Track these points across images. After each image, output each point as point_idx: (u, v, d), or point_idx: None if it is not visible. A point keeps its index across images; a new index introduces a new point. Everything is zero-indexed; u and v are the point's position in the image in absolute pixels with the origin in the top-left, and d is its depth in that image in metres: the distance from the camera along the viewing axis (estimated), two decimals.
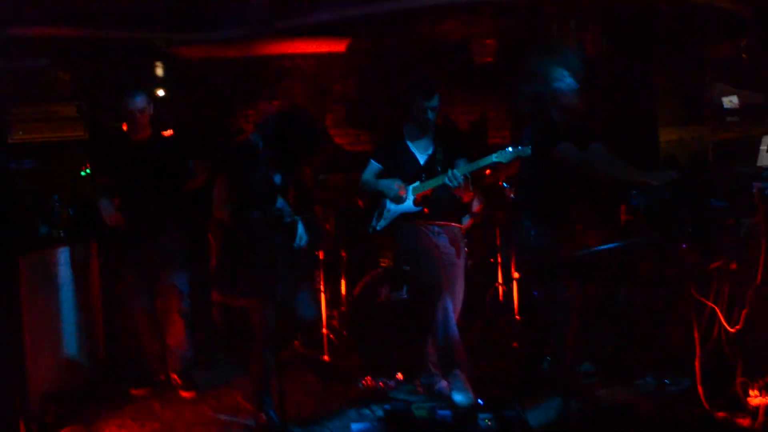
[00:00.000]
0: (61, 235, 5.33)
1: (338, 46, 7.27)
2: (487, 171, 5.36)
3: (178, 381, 5.13)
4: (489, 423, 4.13)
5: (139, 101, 5.01)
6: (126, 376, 5.24)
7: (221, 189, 4.58)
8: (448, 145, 4.88)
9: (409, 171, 4.85)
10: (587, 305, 4.67)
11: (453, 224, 4.93)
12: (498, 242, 5.99)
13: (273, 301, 4.44)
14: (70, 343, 5.11)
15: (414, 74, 6.68)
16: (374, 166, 4.98)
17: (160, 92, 7.18)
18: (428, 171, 4.81)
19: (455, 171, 4.57)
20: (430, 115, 4.79)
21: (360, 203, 5.59)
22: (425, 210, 4.80)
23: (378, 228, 4.92)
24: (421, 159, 4.88)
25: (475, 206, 5.29)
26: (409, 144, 4.91)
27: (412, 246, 4.84)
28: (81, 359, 5.20)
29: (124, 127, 5.14)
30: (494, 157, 4.49)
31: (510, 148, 4.43)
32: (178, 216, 5.14)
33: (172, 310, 5.13)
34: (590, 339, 5.16)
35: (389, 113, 6.80)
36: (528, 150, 4.39)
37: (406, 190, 4.81)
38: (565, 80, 4.47)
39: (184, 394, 5.07)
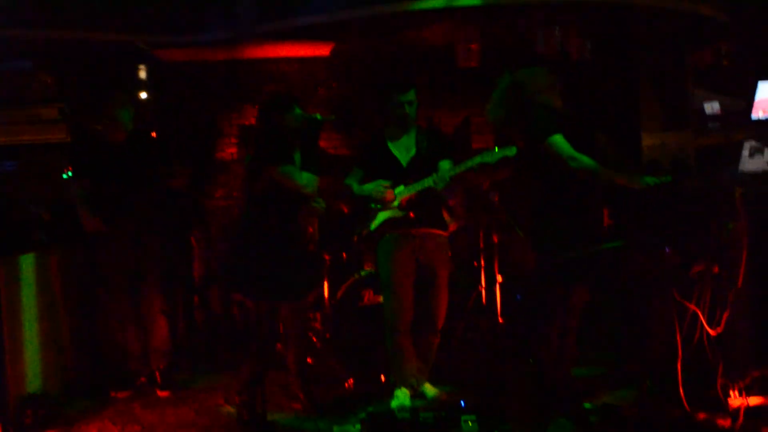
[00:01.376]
0: (41, 238, 5.29)
1: (322, 50, 7.27)
2: (469, 175, 5.34)
3: (158, 380, 5.14)
4: (471, 425, 4.13)
5: (118, 102, 5.02)
6: (107, 379, 5.19)
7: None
8: (430, 146, 4.81)
9: (392, 174, 4.76)
10: (572, 309, 4.66)
11: (437, 231, 4.83)
12: (481, 245, 5.99)
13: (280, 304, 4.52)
14: (48, 345, 5.05)
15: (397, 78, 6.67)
16: (357, 171, 4.90)
17: (144, 95, 7.16)
18: (411, 174, 4.73)
19: (442, 173, 4.56)
20: (408, 110, 4.72)
21: (344, 208, 5.59)
22: (411, 214, 4.73)
23: (365, 233, 4.83)
24: (404, 161, 4.79)
25: (458, 210, 5.30)
26: (391, 147, 4.83)
27: (386, 267, 4.75)
28: (60, 362, 5.14)
29: (99, 128, 5.15)
30: (480, 158, 4.47)
31: (496, 149, 4.43)
32: (159, 216, 5.13)
33: (155, 310, 5.15)
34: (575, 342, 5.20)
35: (372, 117, 6.81)
36: (513, 150, 4.37)
37: (393, 192, 4.73)
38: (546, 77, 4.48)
39: (161, 393, 5.09)
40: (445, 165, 4.71)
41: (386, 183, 4.72)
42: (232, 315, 6.38)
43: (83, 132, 6.27)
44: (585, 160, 4.20)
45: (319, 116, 4.48)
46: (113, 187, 5.03)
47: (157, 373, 5.16)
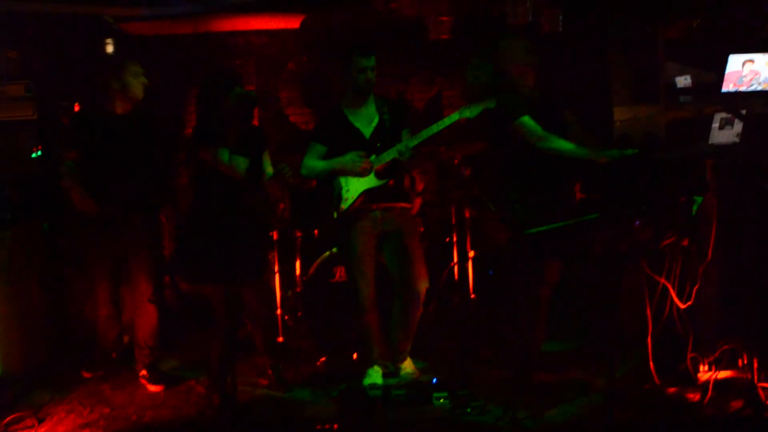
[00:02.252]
0: (8, 216, 5.18)
1: (292, 23, 7.16)
2: (442, 148, 5.31)
3: (147, 375, 4.91)
4: (443, 401, 4.13)
5: (131, 71, 4.79)
6: (78, 360, 5.13)
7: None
8: (392, 116, 4.67)
9: (355, 147, 4.59)
10: (545, 284, 4.67)
11: (399, 204, 4.72)
12: (453, 221, 5.97)
13: (236, 286, 4.44)
14: (16, 327, 4.97)
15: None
16: (318, 147, 4.69)
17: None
18: (375, 145, 4.59)
19: (405, 142, 4.47)
20: (370, 75, 4.56)
21: (313, 182, 5.51)
22: (391, 182, 4.61)
23: (342, 211, 4.63)
24: (366, 132, 4.64)
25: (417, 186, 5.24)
26: (351, 118, 4.66)
27: (347, 244, 4.66)
28: (29, 344, 5.08)
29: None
30: (461, 113, 4.37)
31: (480, 104, 4.34)
32: (146, 197, 4.89)
33: (143, 298, 4.89)
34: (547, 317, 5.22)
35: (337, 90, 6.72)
36: (492, 101, 4.32)
37: (371, 162, 4.57)
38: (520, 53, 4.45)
39: (153, 388, 4.84)
40: (405, 134, 4.63)
41: (361, 153, 4.57)
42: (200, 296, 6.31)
43: (51, 109, 6.13)
44: (553, 140, 4.25)
45: (254, 93, 4.38)
46: (107, 163, 4.75)
47: (144, 371, 4.91)
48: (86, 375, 5.02)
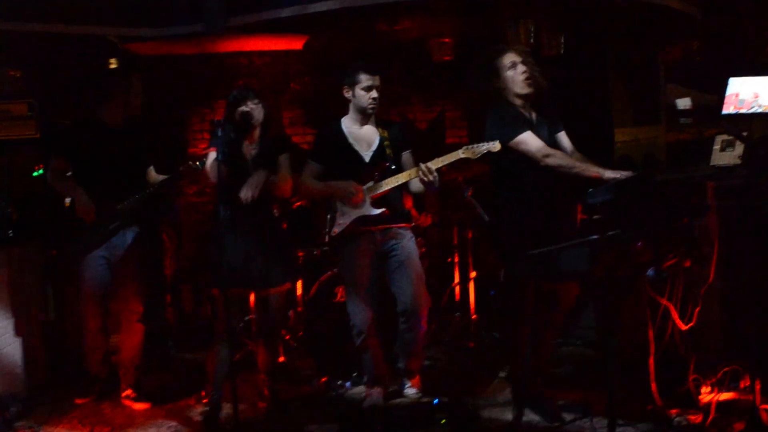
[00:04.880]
0: (9, 235, 5.19)
1: (295, 44, 7.20)
2: (443, 168, 5.30)
3: (132, 394, 4.88)
4: (443, 423, 4.11)
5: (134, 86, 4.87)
6: (72, 383, 5.09)
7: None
8: (392, 139, 4.60)
9: (354, 170, 4.52)
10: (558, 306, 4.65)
11: (399, 226, 4.63)
12: (455, 242, 5.97)
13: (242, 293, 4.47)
14: (13, 346, 4.97)
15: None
16: (314, 166, 4.61)
17: None
18: (375, 169, 4.53)
19: (428, 164, 4.27)
20: (375, 94, 4.49)
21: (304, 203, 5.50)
22: (386, 212, 4.50)
23: (335, 234, 4.56)
24: (366, 156, 4.57)
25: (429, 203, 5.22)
26: (350, 140, 4.59)
27: (345, 267, 4.63)
28: (31, 362, 5.07)
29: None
30: (461, 153, 4.23)
31: (482, 145, 4.18)
32: (140, 211, 4.84)
33: (132, 318, 4.86)
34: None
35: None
36: (497, 144, 4.16)
37: (364, 192, 4.49)
38: (516, 67, 4.36)
39: (139, 406, 4.82)
40: (410, 158, 4.59)
41: (357, 185, 4.47)
42: (204, 314, 6.31)
43: (55, 127, 6.14)
44: (559, 156, 4.18)
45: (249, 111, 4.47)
46: (98, 173, 4.73)
47: (129, 391, 4.88)
48: (78, 402, 4.92)
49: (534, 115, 4.35)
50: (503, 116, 4.26)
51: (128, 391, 4.88)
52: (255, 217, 4.44)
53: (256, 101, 4.47)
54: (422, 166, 4.29)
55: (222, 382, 4.45)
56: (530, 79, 4.27)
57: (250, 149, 4.52)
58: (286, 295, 4.74)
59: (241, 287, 4.46)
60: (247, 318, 5.14)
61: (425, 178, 4.29)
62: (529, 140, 4.18)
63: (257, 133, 4.55)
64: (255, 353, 4.77)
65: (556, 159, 4.16)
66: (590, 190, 3.82)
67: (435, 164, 4.29)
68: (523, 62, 4.30)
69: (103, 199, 4.70)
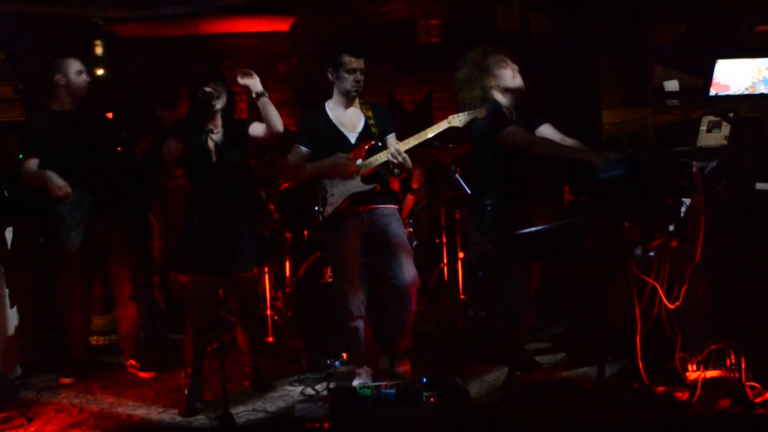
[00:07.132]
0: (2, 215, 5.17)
1: (282, 25, 7.17)
2: (432, 150, 5.33)
3: (136, 364, 5.11)
4: (432, 400, 4.13)
5: (73, 67, 4.91)
6: (57, 364, 5.12)
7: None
8: (377, 120, 4.60)
9: (341, 152, 4.51)
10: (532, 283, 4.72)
11: (386, 206, 4.62)
12: (443, 222, 5.98)
13: (210, 278, 4.41)
14: (7, 326, 4.95)
15: None
16: (301, 150, 4.59)
17: (100, 71, 7.00)
18: (362, 147, 4.50)
19: (397, 147, 4.36)
20: (359, 76, 4.49)
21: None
22: (377, 187, 4.51)
23: (328, 215, 4.53)
24: (352, 138, 4.57)
25: (413, 183, 5.22)
26: (336, 122, 4.59)
27: (334, 249, 4.62)
28: (20, 343, 5.05)
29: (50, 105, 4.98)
30: (449, 121, 4.29)
31: (469, 113, 4.29)
32: (121, 194, 4.97)
33: (123, 295, 5.06)
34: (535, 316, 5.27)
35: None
36: (482, 110, 4.28)
37: (357, 165, 4.47)
38: (506, 63, 4.55)
39: (144, 374, 5.07)
40: (394, 141, 4.56)
41: (346, 155, 4.50)
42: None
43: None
44: (546, 143, 4.38)
45: (214, 91, 4.48)
46: (61, 161, 4.78)
47: (132, 361, 5.14)
48: (63, 381, 4.99)
49: (514, 117, 4.58)
50: (490, 112, 4.41)
51: (131, 361, 5.13)
52: (228, 202, 4.39)
53: (220, 85, 4.45)
54: (392, 147, 4.40)
55: (199, 367, 4.49)
56: (519, 74, 4.56)
57: (212, 137, 4.42)
58: (257, 279, 4.79)
59: (209, 274, 4.36)
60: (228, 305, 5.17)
61: (394, 160, 4.38)
62: (515, 131, 4.41)
63: (218, 120, 4.51)
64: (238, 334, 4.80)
65: (541, 147, 4.42)
66: (599, 163, 3.92)
67: (405, 145, 4.38)
68: (513, 61, 4.59)
69: (70, 183, 4.75)
